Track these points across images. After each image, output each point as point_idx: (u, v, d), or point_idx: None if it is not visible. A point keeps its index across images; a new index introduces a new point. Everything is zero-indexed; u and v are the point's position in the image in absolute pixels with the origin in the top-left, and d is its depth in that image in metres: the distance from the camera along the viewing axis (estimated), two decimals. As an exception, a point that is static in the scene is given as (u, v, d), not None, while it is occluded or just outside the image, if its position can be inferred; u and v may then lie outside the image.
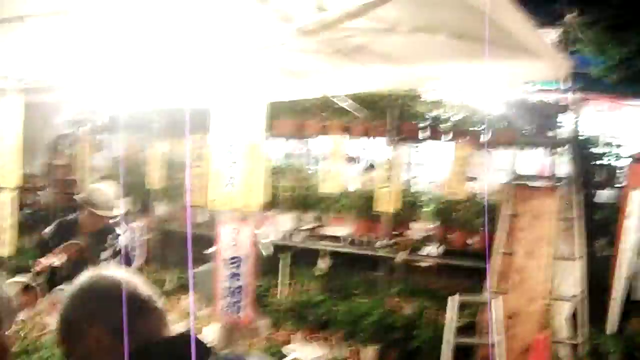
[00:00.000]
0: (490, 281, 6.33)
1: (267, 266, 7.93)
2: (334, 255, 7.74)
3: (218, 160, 4.10)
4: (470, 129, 7.28)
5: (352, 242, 7.79)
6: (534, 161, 7.84)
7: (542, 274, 6.17)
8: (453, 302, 5.84)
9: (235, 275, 4.19)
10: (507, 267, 6.35)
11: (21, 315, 4.74)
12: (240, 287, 4.20)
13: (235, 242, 4.18)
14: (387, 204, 7.14)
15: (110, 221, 5.18)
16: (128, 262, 5.13)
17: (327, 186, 7.66)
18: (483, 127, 7.20)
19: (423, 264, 7.51)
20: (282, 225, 7.92)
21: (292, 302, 7.07)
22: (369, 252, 7.67)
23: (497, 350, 5.56)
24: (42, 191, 10.47)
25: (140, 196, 9.19)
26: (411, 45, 4.67)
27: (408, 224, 7.94)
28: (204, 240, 8.30)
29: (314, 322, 6.75)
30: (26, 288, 4.98)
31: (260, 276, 7.86)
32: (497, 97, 7.03)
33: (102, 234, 5.11)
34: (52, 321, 4.63)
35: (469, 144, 7.21)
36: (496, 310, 5.69)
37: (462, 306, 5.92)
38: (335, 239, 7.87)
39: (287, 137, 9.12)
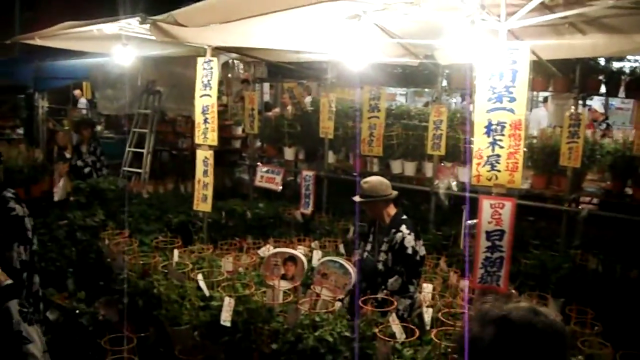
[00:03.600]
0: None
1: (448, 216, 8.23)
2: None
3: (480, 139, 4.35)
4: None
5: (532, 195, 7.94)
6: None
7: None
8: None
9: (496, 247, 4.47)
10: None
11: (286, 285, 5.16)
12: (500, 258, 4.48)
13: (498, 215, 4.45)
14: (572, 158, 7.28)
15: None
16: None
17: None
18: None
19: (602, 219, 7.65)
20: (461, 176, 8.11)
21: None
22: (550, 205, 7.83)
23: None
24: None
25: (311, 144, 9.53)
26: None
27: (588, 179, 8.08)
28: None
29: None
30: (291, 259, 5.40)
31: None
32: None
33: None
34: (323, 292, 5.04)
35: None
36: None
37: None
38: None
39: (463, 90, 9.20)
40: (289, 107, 12.10)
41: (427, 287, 5.66)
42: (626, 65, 7.66)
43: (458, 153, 8.19)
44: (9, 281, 2.60)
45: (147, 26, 5.31)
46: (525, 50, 4.18)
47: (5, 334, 2.49)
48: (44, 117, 15.59)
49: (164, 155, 13.21)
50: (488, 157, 4.35)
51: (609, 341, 4.58)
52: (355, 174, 9.14)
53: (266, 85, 12.79)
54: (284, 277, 5.30)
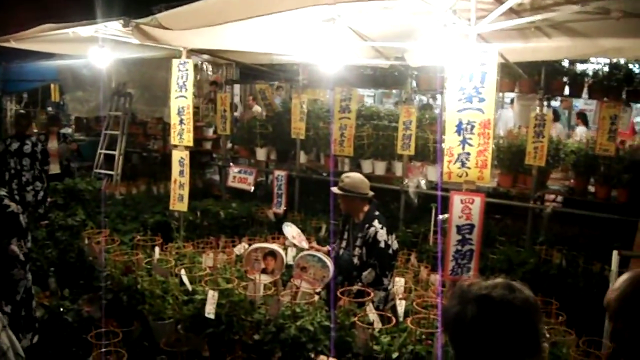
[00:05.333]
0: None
1: (417, 214, 8.46)
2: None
3: (451, 138, 4.57)
4: (620, 87, 7.55)
5: (498, 193, 8.22)
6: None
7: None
8: (615, 257, 6.21)
9: (467, 240, 4.70)
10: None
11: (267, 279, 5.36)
12: (470, 250, 4.71)
13: (468, 210, 4.67)
14: (537, 157, 7.55)
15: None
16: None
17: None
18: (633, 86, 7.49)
19: (566, 216, 7.95)
20: (430, 175, 8.35)
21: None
22: (516, 203, 8.11)
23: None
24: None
25: (283, 145, 9.70)
26: (608, 25, 5.10)
27: (553, 177, 8.39)
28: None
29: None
30: (270, 253, 5.60)
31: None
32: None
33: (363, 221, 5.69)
34: (303, 284, 5.24)
35: (618, 103, 7.55)
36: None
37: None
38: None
39: (432, 91, 9.47)
40: (254, 109, 12.26)
41: (400, 281, 5.85)
42: (589, 68, 7.96)
43: (427, 152, 8.42)
44: None
45: (123, 28, 5.45)
46: (494, 52, 4.39)
47: None
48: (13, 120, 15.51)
49: (134, 157, 13.28)
50: (459, 154, 4.55)
51: (573, 329, 4.83)
52: (326, 173, 9.37)
53: (236, 87, 12.91)
54: (264, 271, 5.49)
